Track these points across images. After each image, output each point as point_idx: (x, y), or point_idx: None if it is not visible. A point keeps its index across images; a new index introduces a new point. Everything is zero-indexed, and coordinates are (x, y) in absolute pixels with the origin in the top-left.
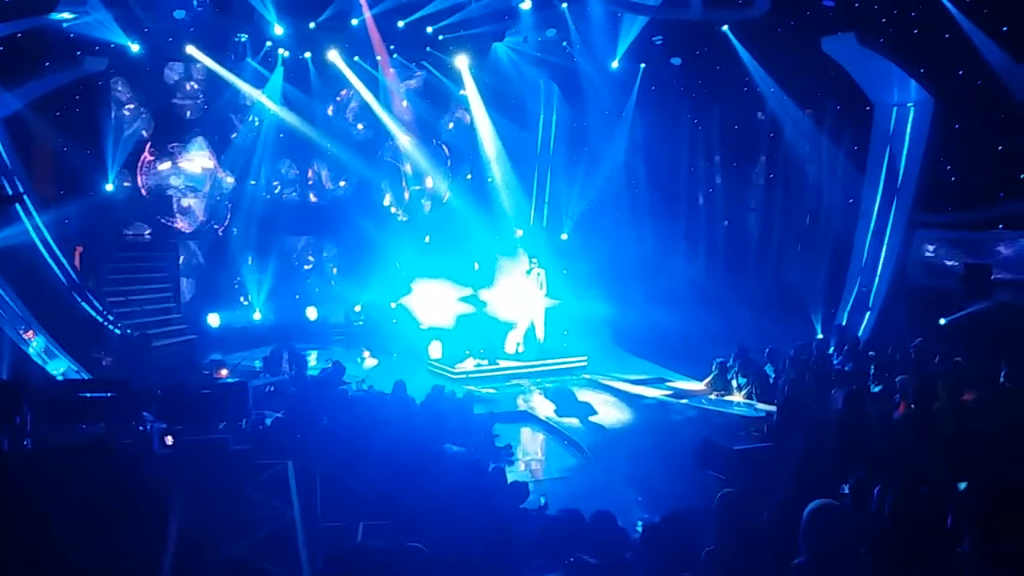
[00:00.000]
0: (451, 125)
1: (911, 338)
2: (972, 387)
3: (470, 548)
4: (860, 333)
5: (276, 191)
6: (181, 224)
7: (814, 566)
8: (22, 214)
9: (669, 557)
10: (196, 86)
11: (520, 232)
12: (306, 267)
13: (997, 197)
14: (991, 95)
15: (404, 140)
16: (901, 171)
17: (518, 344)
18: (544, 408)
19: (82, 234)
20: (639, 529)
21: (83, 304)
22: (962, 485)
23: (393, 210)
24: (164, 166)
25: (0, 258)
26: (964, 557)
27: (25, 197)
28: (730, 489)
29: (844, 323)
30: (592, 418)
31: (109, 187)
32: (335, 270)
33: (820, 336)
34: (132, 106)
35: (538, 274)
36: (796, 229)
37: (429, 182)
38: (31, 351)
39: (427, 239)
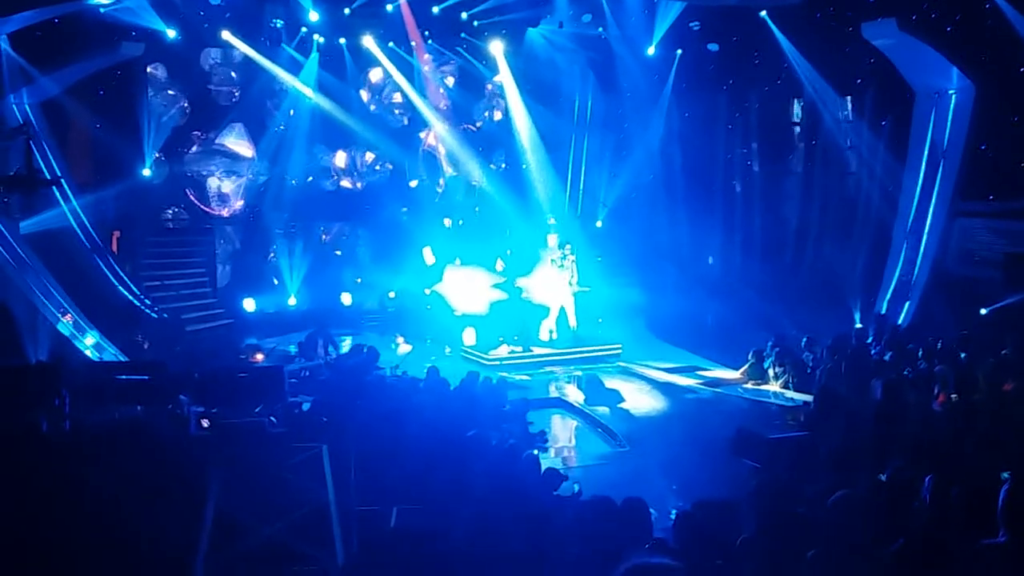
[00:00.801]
0: (486, 113)
1: (951, 328)
2: (1013, 378)
3: (504, 534)
4: (899, 322)
5: (311, 178)
6: (218, 210)
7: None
8: (59, 198)
9: (703, 545)
10: (233, 72)
11: (552, 220)
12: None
13: None
14: None
15: (439, 126)
16: (942, 159)
17: (551, 331)
18: (577, 395)
19: (119, 219)
20: (672, 517)
21: (120, 288)
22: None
23: (440, 186)
24: (202, 149)
25: (38, 242)
26: (998, 548)
27: (63, 181)
28: (766, 477)
29: (883, 312)
30: (625, 406)
31: (146, 172)
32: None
33: (859, 325)
34: (169, 91)
35: (572, 261)
36: (835, 217)
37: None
38: (70, 335)
39: (447, 222)
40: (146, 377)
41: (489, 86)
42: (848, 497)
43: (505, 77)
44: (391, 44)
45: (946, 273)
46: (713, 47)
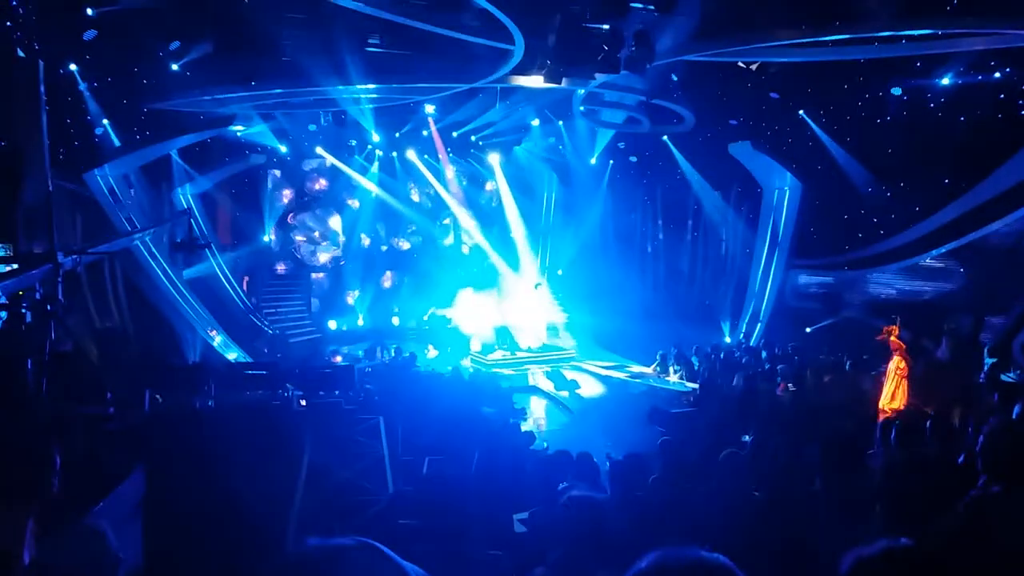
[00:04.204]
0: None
1: (788, 340)
2: (828, 372)
3: (497, 475)
4: (754, 337)
5: (373, 242)
6: (313, 263)
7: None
8: (209, 256)
9: (628, 483)
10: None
11: (539, 279)
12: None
13: (843, 249)
14: (839, 182)
15: (456, 209)
16: (781, 231)
17: (529, 342)
18: (546, 384)
19: (248, 269)
20: (608, 464)
21: (248, 315)
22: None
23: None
24: (302, 224)
25: (195, 285)
26: (816, 494)
27: (211, 245)
28: (668, 438)
29: (743, 330)
30: (578, 391)
31: (266, 238)
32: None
33: (727, 338)
34: (281, 185)
35: (544, 295)
36: (712, 268)
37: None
38: (215, 345)
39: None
40: (264, 372)
41: (489, 184)
42: (731, 454)
43: (499, 177)
44: (426, 156)
45: (784, 305)
46: (633, 159)
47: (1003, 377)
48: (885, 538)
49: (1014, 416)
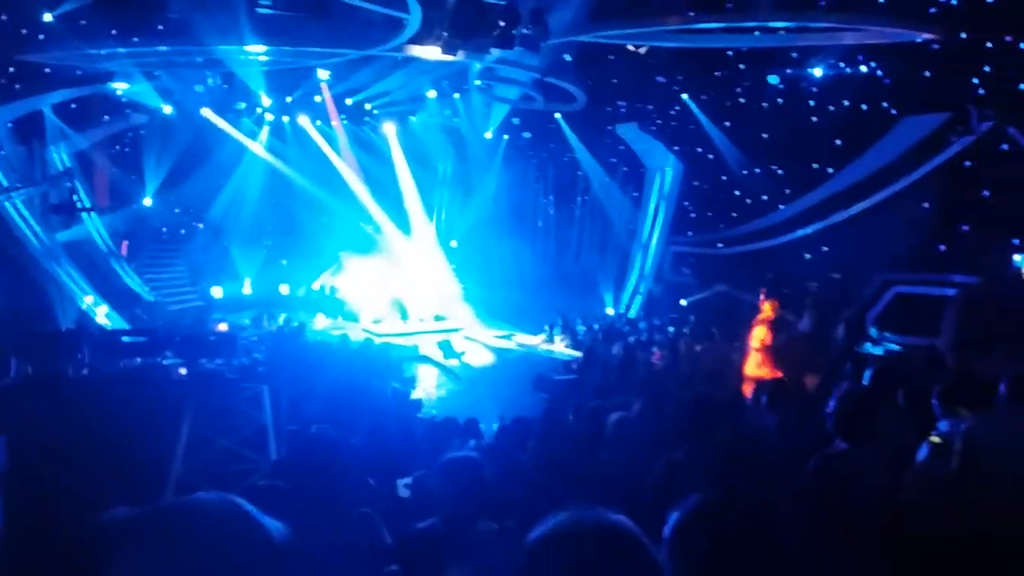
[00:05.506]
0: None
1: (665, 312)
2: (699, 342)
3: (385, 441)
4: (634, 308)
5: (260, 207)
6: (196, 226)
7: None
8: (87, 219)
9: (513, 446)
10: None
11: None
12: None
13: (718, 227)
14: (716, 164)
15: (348, 176)
16: (662, 209)
17: (420, 312)
18: (436, 353)
19: (127, 232)
20: (495, 428)
21: (126, 279)
22: None
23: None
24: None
25: (71, 248)
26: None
27: (92, 209)
28: (551, 405)
29: (625, 302)
30: (466, 359)
31: (147, 201)
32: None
33: (610, 309)
34: (163, 148)
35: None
36: (598, 243)
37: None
38: (88, 309)
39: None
40: (143, 339)
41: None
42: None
43: (394, 146)
44: (318, 122)
45: (662, 279)
46: (527, 134)
47: (857, 348)
48: (698, 493)
49: (864, 382)
